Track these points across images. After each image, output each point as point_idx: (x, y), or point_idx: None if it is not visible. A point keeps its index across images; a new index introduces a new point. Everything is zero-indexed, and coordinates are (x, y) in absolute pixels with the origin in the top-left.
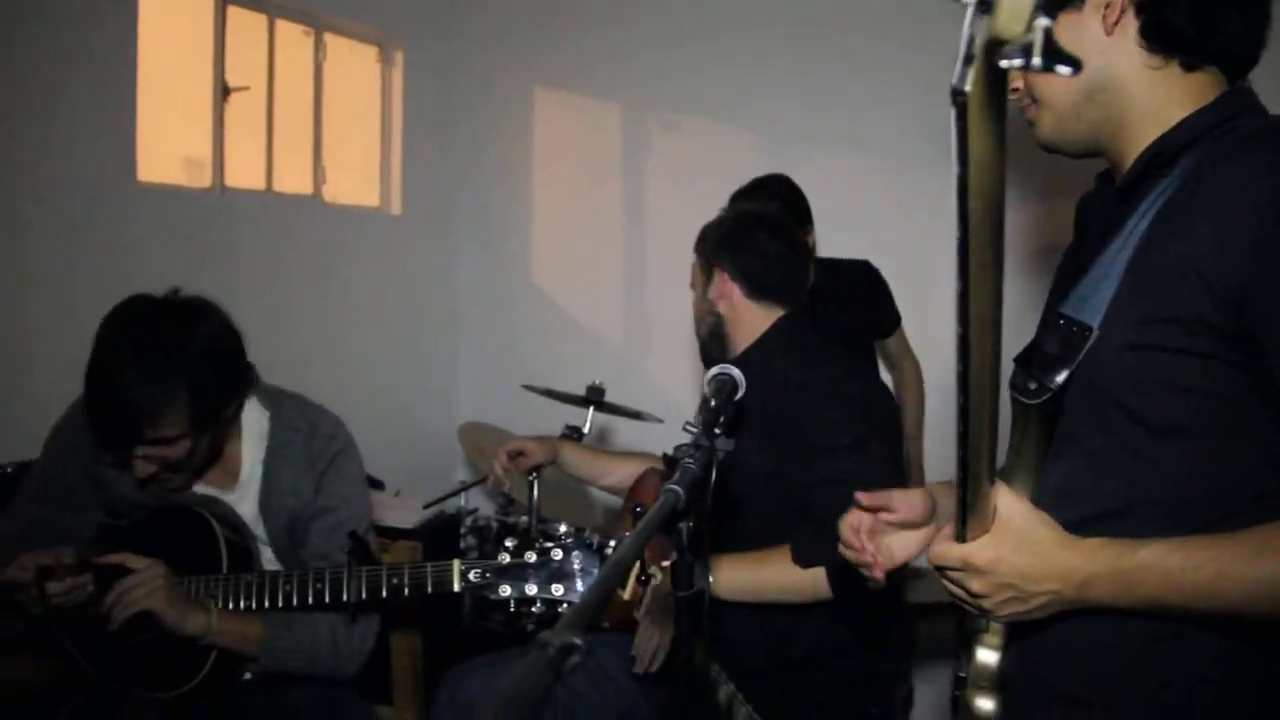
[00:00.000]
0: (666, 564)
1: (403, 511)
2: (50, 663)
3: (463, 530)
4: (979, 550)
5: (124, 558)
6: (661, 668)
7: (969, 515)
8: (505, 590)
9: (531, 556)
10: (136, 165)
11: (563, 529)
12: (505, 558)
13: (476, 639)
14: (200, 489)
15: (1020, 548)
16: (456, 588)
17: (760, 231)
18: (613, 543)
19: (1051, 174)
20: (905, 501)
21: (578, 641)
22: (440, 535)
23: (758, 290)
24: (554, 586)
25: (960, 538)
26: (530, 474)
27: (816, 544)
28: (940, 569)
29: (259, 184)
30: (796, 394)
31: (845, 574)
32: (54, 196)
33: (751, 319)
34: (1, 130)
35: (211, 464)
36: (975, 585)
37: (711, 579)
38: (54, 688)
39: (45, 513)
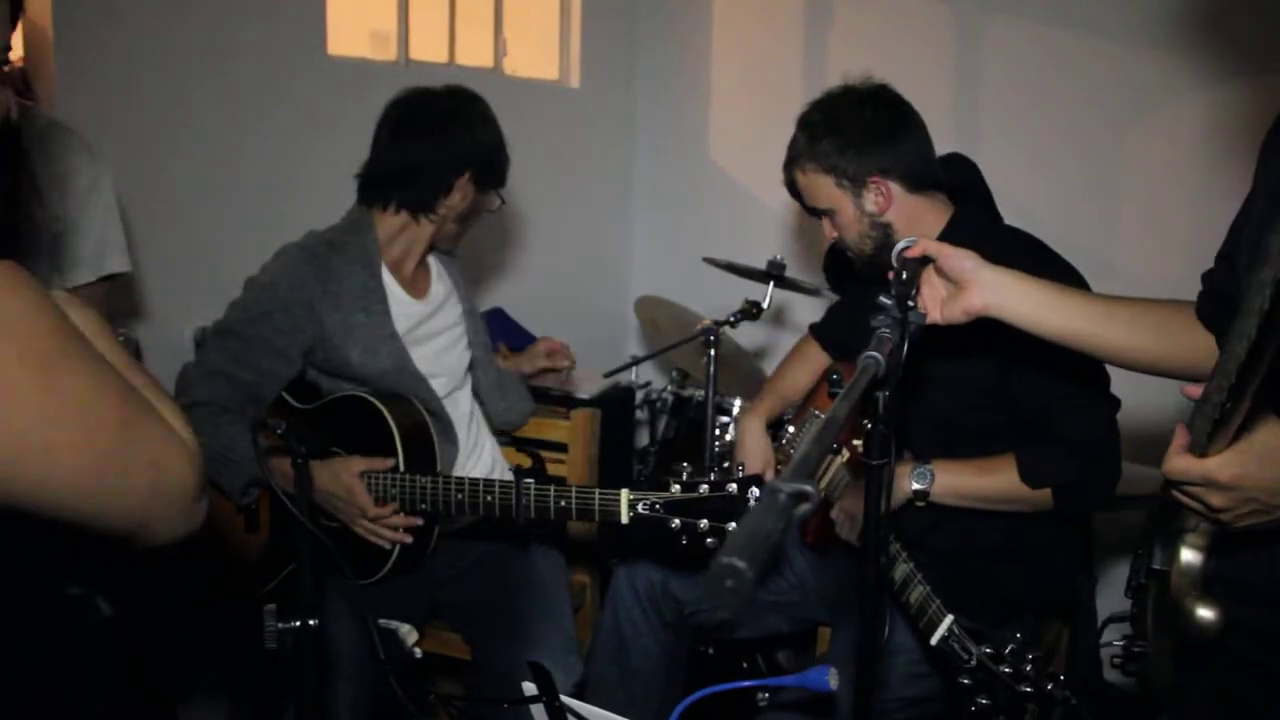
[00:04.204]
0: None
1: (580, 380)
2: (256, 537)
3: (637, 403)
4: (1223, 466)
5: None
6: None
7: (1217, 431)
8: (675, 524)
9: (704, 489)
10: (327, 39)
11: (737, 404)
12: (676, 489)
13: None
14: (399, 292)
15: (1266, 462)
16: (624, 520)
17: (882, 110)
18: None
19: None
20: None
21: (809, 489)
22: (616, 405)
23: (920, 181)
24: (729, 523)
25: (1201, 452)
26: (705, 355)
27: (1044, 464)
28: (1177, 484)
29: (442, 57)
30: None
31: (1072, 490)
32: (249, 69)
33: (924, 217)
34: (197, 6)
35: None
36: (1217, 500)
37: (932, 485)
38: (261, 562)
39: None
